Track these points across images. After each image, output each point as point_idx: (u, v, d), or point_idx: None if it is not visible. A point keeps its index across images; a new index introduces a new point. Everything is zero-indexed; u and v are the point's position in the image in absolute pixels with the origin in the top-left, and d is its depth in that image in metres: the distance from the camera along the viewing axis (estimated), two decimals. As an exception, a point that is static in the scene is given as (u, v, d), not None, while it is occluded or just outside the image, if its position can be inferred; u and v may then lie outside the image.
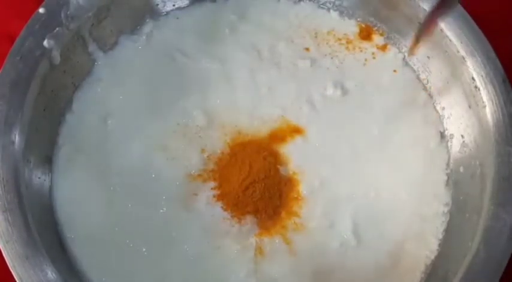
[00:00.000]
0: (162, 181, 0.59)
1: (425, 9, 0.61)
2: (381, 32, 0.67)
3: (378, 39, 0.67)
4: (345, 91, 0.64)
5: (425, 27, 0.60)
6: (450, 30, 0.60)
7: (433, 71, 0.64)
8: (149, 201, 0.58)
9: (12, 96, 0.55)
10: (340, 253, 0.58)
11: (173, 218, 0.58)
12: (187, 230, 0.58)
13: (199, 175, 0.60)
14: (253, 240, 0.58)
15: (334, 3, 0.68)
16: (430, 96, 0.64)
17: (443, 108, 0.63)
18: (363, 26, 0.67)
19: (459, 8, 0.60)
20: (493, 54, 0.59)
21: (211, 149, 0.61)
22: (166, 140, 0.61)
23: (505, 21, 0.68)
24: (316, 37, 0.67)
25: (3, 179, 0.53)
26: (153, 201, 0.59)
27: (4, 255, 0.51)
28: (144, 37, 0.65)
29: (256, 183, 0.59)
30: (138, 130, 0.61)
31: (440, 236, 0.59)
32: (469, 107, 0.59)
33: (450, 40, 0.60)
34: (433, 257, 0.58)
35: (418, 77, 0.65)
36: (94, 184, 0.58)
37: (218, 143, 0.61)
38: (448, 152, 0.62)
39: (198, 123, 0.62)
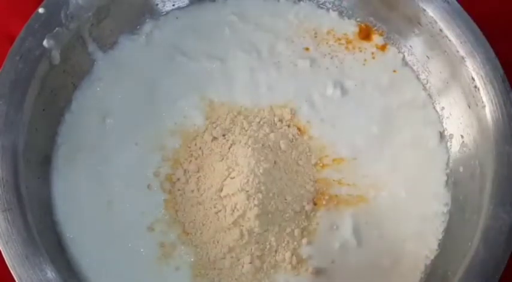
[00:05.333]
0: (161, 180, 0.59)
1: (424, 9, 0.61)
2: (380, 32, 0.67)
3: (377, 39, 0.67)
4: (344, 91, 0.64)
5: None
6: (450, 30, 0.60)
7: (433, 71, 0.64)
8: (148, 201, 0.58)
9: (12, 96, 0.55)
10: (341, 253, 0.58)
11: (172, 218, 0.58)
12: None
13: (199, 174, 0.60)
14: (253, 240, 0.58)
15: (333, 3, 0.68)
16: (430, 96, 0.64)
17: (442, 108, 0.63)
18: (363, 26, 0.67)
19: (459, 8, 0.60)
20: (492, 54, 0.59)
21: (210, 149, 0.61)
22: (164, 140, 0.61)
23: (505, 21, 0.68)
24: (315, 37, 0.67)
25: (2, 178, 0.53)
26: (152, 201, 0.59)
27: (4, 255, 0.51)
28: (143, 37, 0.65)
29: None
30: (136, 130, 0.61)
31: (440, 236, 0.59)
32: (469, 107, 0.60)
33: (450, 40, 0.60)
34: (432, 257, 0.58)
35: (417, 77, 0.65)
36: (93, 184, 0.58)
37: (217, 142, 0.62)
38: (448, 152, 0.62)
39: (196, 122, 0.62)
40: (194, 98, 0.63)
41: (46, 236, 0.54)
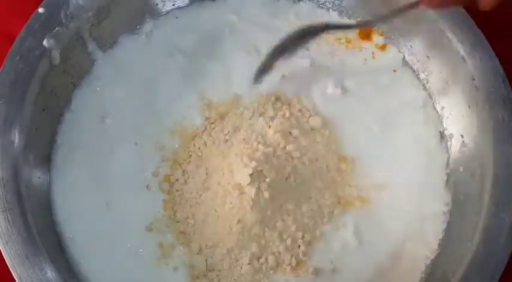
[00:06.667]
0: (160, 181, 0.59)
1: (424, 9, 0.61)
2: (380, 31, 0.67)
3: (377, 38, 0.67)
4: (344, 90, 0.64)
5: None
6: (450, 30, 0.60)
7: (433, 71, 0.64)
8: (147, 201, 0.58)
9: (12, 95, 0.56)
10: (341, 254, 0.57)
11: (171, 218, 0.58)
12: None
13: (198, 174, 0.60)
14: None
15: (333, 2, 0.68)
16: (430, 96, 0.64)
17: (442, 108, 0.63)
18: (363, 25, 0.67)
19: (459, 8, 0.60)
20: (492, 54, 0.59)
21: (209, 149, 0.61)
22: (163, 140, 0.61)
23: (505, 21, 0.68)
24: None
25: (2, 178, 0.53)
26: (151, 201, 0.58)
27: (4, 254, 0.51)
28: (143, 36, 0.65)
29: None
30: (135, 129, 0.61)
31: (440, 236, 0.58)
32: (469, 107, 0.59)
33: (450, 40, 0.60)
34: (433, 257, 0.58)
35: (417, 77, 0.65)
36: (92, 183, 0.59)
37: (216, 142, 0.61)
38: (448, 151, 0.62)
39: (195, 122, 0.62)
40: (193, 97, 0.63)
41: (46, 236, 0.54)
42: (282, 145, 0.60)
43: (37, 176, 0.57)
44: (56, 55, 0.59)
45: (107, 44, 0.64)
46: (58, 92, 0.60)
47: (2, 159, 0.53)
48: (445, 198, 0.60)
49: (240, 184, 0.56)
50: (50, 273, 0.51)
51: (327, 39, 0.67)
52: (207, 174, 0.59)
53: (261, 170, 0.56)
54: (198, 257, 0.56)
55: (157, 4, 0.67)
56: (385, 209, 0.60)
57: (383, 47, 0.67)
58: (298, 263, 0.57)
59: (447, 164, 0.61)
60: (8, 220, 0.52)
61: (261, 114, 0.62)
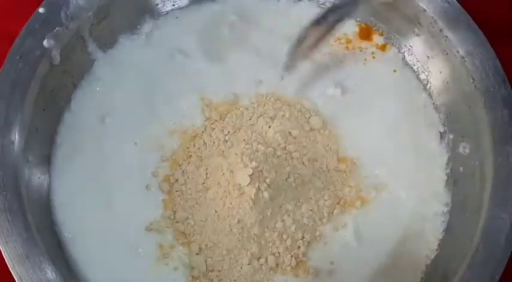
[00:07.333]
0: (159, 181, 0.59)
1: (424, 9, 0.61)
2: (380, 31, 0.67)
3: (377, 39, 0.67)
4: (344, 90, 0.64)
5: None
6: (450, 30, 0.60)
7: (433, 71, 0.64)
8: (147, 202, 0.58)
9: (12, 96, 0.55)
10: (341, 254, 0.58)
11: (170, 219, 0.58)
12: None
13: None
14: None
15: (333, 3, 0.68)
16: (430, 96, 0.64)
17: (442, 108, 0.63)
18: (363, 25, 0.67)
19: (459, 8, 0.61)
20: (492, 54, 0.59)
21: (209, 149, 0.61)
22: (163, 140, 0.61)
23: (505, 21, 0.68)
24: (315, 36, 0.67)
25: (2, 178, 0.53)
26: (150, 202, 0.59)
27: (4, 255, 0.51)
28: (143, 37, 0.66)
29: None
30: (135, 129, 0.61)
31: (440, 236, 0.59)
32: (469, 107, 0.59)
33: (450, 40, 0.60)
34: (433, 257, 0.58)
35: (417, 77, 0.65)
36: (92, 183, 0.59)
37: (216, 143, 0.61)
38: (448, 152, 0.62)
39: (195, 122, 0.62)
40: (193, 98, 0.63)
41: (46, 236, 0.54)
42: (282, 145, 0.60)
43: (37, 176, 0.57)
44: (56, 55, 0.59)
45: (107, 44, 0.64)
46: (58, 92, 0.60)
47: (2, 159, 0.53)
48: (445, 198, 0.60)
49: (240, 184, 0.56)
50: (50, 273, 0.51)
51: (327, 40, 0.66)
52: (207, 174, 0.59)
53: (261, 170, 0.56)
54: (197, 257, 0.56)
55: (157, 4, 0.67)
56: (385, 209, 0.60)
57: (383, 47, 0.67)
58: (298, 263, 0.57)
59: (447, 164, 0.61)
60: (8, 220, 0.51)
61: (261, 114, 0.62)
